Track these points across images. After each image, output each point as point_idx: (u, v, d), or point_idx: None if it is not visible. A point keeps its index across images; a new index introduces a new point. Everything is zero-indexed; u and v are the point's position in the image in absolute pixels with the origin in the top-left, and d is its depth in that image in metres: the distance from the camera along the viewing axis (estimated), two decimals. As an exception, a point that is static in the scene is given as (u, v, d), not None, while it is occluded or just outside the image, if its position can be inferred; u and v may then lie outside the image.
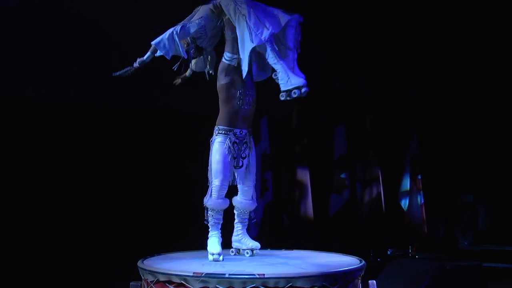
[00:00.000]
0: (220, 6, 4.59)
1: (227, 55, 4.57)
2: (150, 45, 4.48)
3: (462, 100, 11.09)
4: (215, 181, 4.41)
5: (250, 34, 4.39)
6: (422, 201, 9.35)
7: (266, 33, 4.40)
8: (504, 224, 12.04)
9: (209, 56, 4.87)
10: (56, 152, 7.04)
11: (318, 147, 9.20)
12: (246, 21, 4.44)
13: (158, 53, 4.50)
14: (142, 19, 7.34)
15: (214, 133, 4.50)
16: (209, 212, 4.44)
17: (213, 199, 4.41)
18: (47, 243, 6.77)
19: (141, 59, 4.49)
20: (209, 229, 4.45)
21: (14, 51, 6.91)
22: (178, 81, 5.06)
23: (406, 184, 9.39)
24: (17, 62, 6.96)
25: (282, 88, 4.40)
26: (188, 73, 5.02)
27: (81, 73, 7.27)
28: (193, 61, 4.93)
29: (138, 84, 7.26)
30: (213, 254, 4.27)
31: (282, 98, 4.43)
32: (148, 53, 4.50)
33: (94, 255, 7.02)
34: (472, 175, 11.54)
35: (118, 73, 4.50)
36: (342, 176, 9.06)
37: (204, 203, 4.44)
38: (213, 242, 4.37)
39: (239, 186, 4.65)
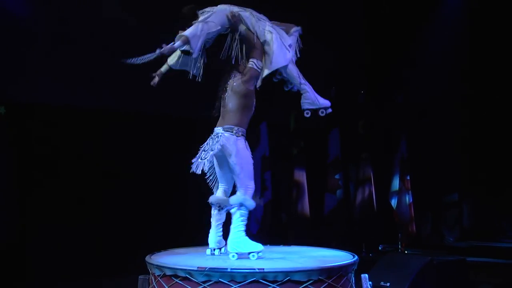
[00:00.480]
0: (239, 16, 4.42)
1: (259, 64, 4.37)
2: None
3: (448, 105, 11.12)
4: (252, 183, 4.22)
5: (279, 53, 4.41)
6: (411, 200, 9.36)
7: (289, 55, 4.48)
8: (486, 222, 12.07)
9: (202, 58, 4.56)
10: (66, 153, 7.03)
11: (314, 150, 9.20)
12: (274, 40, 4.44)
13: (185, 47, 4.20)
14: (149, 23, 7.37)
15: (234, 134, 4.20)
16: (243, 212, 4.14)
17: (252, 200, 4.19)
18: (58, 239, 6.77)
19: (171, 46, 4.10)
20: (241, 229, 4.12)
21: (35, 60, 6.94)
22: (155, 79, 4.62)
23: (396, 184, 9.40)
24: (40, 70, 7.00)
25: (308, 106, 4.55)
26: (164, 68, 4.63)
27: (84, 78, 7.31)
28: (174, 57, 4.55)
29: (145, 88, 7.29)
30: (258, 253, 4.06)
31: (307, 116, 4.56)
32: (180, 43, 4.12)
33: (104, 251, 7.02)
34: (457, 175, 11.56)
35: (137, 60, 4.08)
36: (336, 176, 9.06)
37: (242, 202, 4.13)
38: (250, 241, 4.12)
39: (227, 187, 4.44)
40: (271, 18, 4.64)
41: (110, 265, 6.94)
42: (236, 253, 4.08)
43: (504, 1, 10.73)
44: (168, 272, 3.65)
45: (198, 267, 3.52)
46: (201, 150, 4.30)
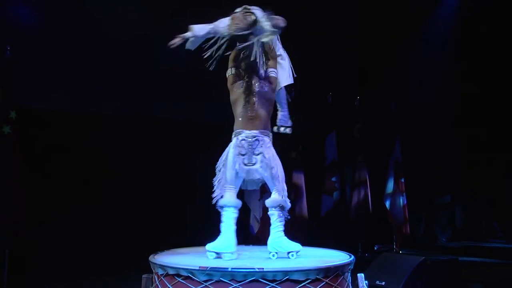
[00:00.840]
0: None
1: (276, 74, 4.39)
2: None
3: (440, 111, 11.14)
4: (285, 185, 4.29)
5: (289, 73, 4.56)
6: (405, 202, 9.35)
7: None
8: (478, 223, 12.07)
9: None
10: (71, 155, 7.01)
11: (312, 153, 9.18)
12: (288, 58, 4.61)
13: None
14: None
15: (270, 139, 4.23)
16: (281, 213, 4.24)
17: (288, 201, 4.28)
18: (63, 239, 6.75)
19: (281, 23, 4.24)
20: (280, 229, 4.20)
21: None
22: (176, 40, 4.26)
23: (391, 186, 9.38)
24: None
25: (283, 123, 4.75)
26: (187, 35, 4.29)
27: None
28: (201, 30, 4.28)
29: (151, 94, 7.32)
30: (297, 252, 4.10)
31: (283, 131, 4.76)
32: (282, 24, 4.22)
33: (109, 251, 7.01)
34: (449, 178, 11.57)
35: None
36: (333, 179, 9.02)
37: (282, 204, 4.24)
38: (288, 241, 4.16)
39: (237, 190, 4.35)
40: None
41: (114, 264, 6.92)
42: (276, 252, 4.10)
43: (495, 13, 10.78)
44: (171, 272, 3.63)
45: (199, 267, 3.50)
46: (235, 155, 4.13)
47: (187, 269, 3.54)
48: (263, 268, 3.46)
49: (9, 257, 6.00)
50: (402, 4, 10.53)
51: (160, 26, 7.52)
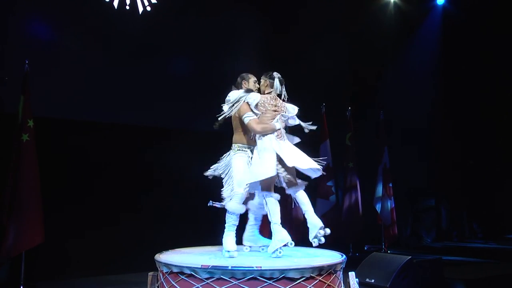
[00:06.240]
0: None
1: None
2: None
3: (425, 121, 11.14)
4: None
5: None
6: (393, 205, 9.31)
7: None
8: (459, 225, 12.06)
9: None
10: (82, 160, 6.95)
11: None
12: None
13: None
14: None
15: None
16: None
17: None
18: (74, 239, 6.68)
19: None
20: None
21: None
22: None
23: (379, 191, 9.35)
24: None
25: None
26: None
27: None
28: None
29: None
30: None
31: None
32: None
33: (118, 250, 6.95)
34: (434, 183, 11.54)
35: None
36: (329, 183, 8.96)
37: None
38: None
39: None
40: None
41: (123, 263, 6.87)
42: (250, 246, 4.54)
43: (476, 26, 10.82)
44: (175, 270, 3.62)
45: (202, 265, 3.49)
46: None
47: (190, 267, 3.53)
48: (261, 267, 3.45)
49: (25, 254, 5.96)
50: (390, 24, 10.57)
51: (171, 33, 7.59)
